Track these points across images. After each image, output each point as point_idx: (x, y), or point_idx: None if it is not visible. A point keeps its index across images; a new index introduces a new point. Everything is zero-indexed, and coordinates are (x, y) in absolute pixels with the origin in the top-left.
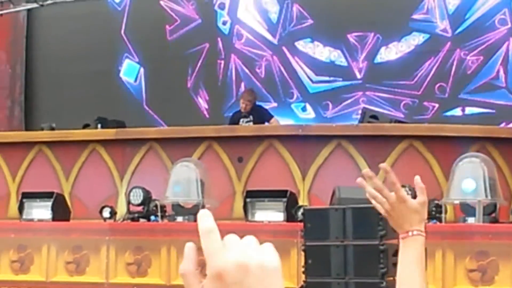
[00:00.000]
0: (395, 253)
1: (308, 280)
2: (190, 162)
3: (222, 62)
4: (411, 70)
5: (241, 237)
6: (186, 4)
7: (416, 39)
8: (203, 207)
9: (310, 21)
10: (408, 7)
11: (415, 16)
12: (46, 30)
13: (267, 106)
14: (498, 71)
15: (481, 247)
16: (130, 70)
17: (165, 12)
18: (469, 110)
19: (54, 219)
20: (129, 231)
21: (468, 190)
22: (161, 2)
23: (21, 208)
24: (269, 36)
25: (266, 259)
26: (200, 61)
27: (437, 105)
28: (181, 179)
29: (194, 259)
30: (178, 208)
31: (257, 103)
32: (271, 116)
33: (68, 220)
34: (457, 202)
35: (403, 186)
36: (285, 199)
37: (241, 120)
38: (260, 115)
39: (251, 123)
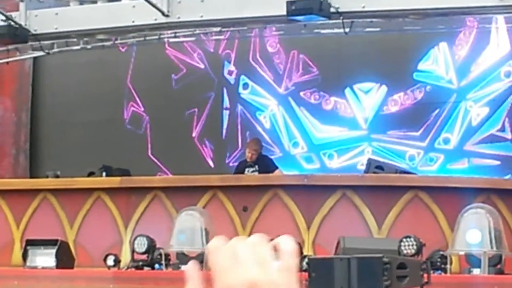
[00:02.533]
0: None
1: None
2: (195, 210)
3: (228, 111)
4: (416, 121)
5: None
6: (192, 53)
7: (421, 90)
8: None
9: (316, 72)
10: (414, 58)
11: (420, 67)
12: (52, 78)
13: (272, 156)
14: (503, 123)
15: None
16: (135, 119)
17: (171, 61)
18: (474, 161)
19: (58, 266)
20: (133, 280)
21: (473, 241)
22: (167, 51)
23: (25, 256)
24: (275, 86)
25: (275, 277)
26: (206, 110)
27: (442, 156)
28: (186, 228)
29: (199, 278)
30: (183, 257)
31: (263, 153)
32: (276, 167)
33: (72, 268)
34: (462, 253)
35: (408, 237)
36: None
37: (247, 169)
38: (265, 165)
39: (256, 173)
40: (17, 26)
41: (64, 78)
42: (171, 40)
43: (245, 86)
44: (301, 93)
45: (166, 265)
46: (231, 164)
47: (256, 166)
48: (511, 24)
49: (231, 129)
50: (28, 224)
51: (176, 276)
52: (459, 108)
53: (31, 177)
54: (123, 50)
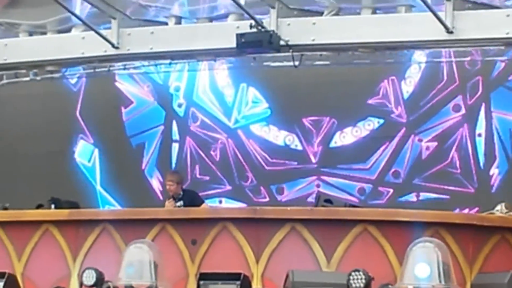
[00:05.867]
0: None
1: None
2: (144, 244)
3: (177, 144)
4: (366, 155)
5: None
6: (142, 86)
7: (371, 124)
8: None
9: (265, 105)
10: (363, 92)
11: (370, 101)
12: (1, 109)
13: (221, 189)
14: (452, 157)
15: None
16: (84, 151)
17: (120, 93)
18: (423, 195)
19: None
20: None
21: (422, 275)
22: (116, 84)
23: None
24: (224, 119)
25: None
26: (155, 143)
27: (391, 190)
28: (134, 261)
29: None
30: None
31: (191, 189)
32: (202, 201)
33: None
34: (410, 287)
35: (356, 270)
36: (238, 282)
37: (173, 201)
38: (190, 200)
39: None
40: None
41: (13, 109)
42: (121, 72)
43: (195, 119)
44: (251, 126)
45: None
46: None
47: (181, 202)
48: (460, 58)
49: (180, 162)
50: None
51: None
52: (409, 143)
53: None
54: (72, 82)
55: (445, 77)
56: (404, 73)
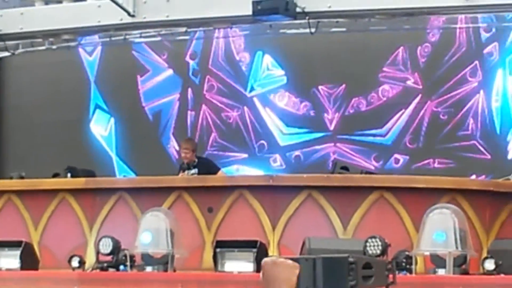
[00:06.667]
0: None
1: None
2: (160, 212)
3: (193, 112)
4: (382, 122)
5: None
6: (158, 54)
7: (387, 91)
8: (173, 257)
9: (281, 72)
10: (380, 59)
11: (386, 68)
12: (17, 78)
13: (237, 157)
14: (468, 124)
15: None
16: (100, 120)
17: (136, 62)
18: (439, 162)
19: (22, 268)
20: (98, 281)
21: (439, 242)
22: (133, 52)
23: None
24: (240, 87)
25: None
26: (171, 111)
27: (407, 157)
28: (151, 229)
29: None
30: (148, 258)
31: (201, 155)
32: (218, 169)
33: (36, 269)
34: (427, 253)
35: (373, 237)
36: (255, 250)
37: (186, 171)
38: (206, 168)
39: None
40: None
41: (30, 78)
42: (137, 40)
43: (210, 87)
44: (267, 94)
45: (131, 266)
46: None
47: (196, 169)
48: (476, 24)
49: (196, 130)
50: None
51: (141, 277)
52: (425, 109)
53: None
54: (88, 50)
55: (461, 44)
56: (420, 39)
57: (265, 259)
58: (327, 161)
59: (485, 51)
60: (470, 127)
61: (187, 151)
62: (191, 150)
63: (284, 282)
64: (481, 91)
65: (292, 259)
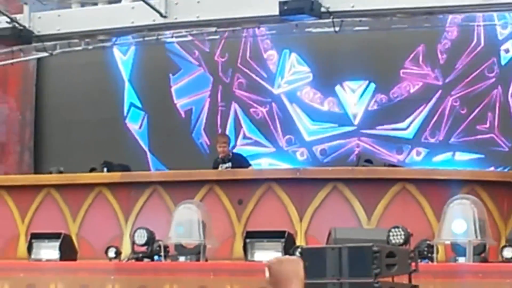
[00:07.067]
0: None
1: None
2: (192, 204)
3: (223, 109)
4: (403, 117)
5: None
6: (190, 54)
7: (408, 87)
8: (205, 247)
9: (307, 70)
10: (401, 56)
11: (407, 65)
12: (55, 78)
13: (265, 150)
14: (487, 118)
15: (472, 286)
16: (134, 117)
17: (168, 60)
18: (459, 154)
19: (61, 259)
20: (133, 271)
21: (459, 231)
22: (166, 51)
23: (30, 249)
24: (267, 84)
25: None
26: (202, 108)
27: (428, 150)
28: (184, 221)
29: None
30: (181, 248)
31: (238, 151)
32: (249, 165)
33: (75, 259)
34: (448, 242)
35: (396, 227)
36: (283, 240)
37: (220, 166)
38: (239, 163)
39: (229, 168)
40: (21, 28)
41: (67, 78)
42: (169, 40)
43: (240, 84)
44: (293, 91)
45: (165, 257)
46: None
47: (230, 163)
48: (493, 22)
49: (226, 126)
50: (32, 219)
51: (174, 267)
52: (445, 104)
53: (35, 173)
54: (123, 50)
55: (479, 41)
56: (439, 37)
57: (269, 260)
58: (351, 154)
59: (502, 47)
60: (488, 121)
61: (225, 145)
62: (227, 144)
63: (294, 275)
64: (499, 86)
65: (319, 248)
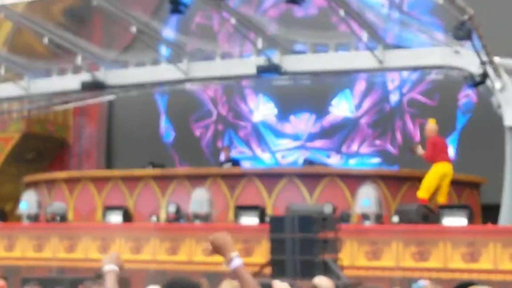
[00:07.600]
0: (325, 241)
1: (272, 257)
2: (203, 188)
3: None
4: (331, 136)
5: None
6: (203, 97)
7: (334, 117)
8: (211, 215)
9: (273, 106)
10: (329, 98)
11: (333, 102)
12: (120, 111)
13: (248, 156)
14: (383, 135)
15: (373, 239)
16: (167, 135)
17: (190, 102)
18: (366, 158)
19: (123, 222)
20: (166, 229)
21: (366, 205)
22: (187, 92)
23: (103, 215)
24: (249, 115)
25: None
26: (209, 133)
27: (347, 156)
28: (197, 199)
29: None
30: (196, 216)
31: (233, 157)
32: (239, 165)
33: (131, 223)
34: (359, 212)
35: (328, 203)
36: (259, 211)
37: (223, 165)
38: (234, 163)
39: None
40: (100, 80)
41: (128, 111)
42: (188, 88)
43: (232, 115)
44: (264, 119)
45: (187, 220)
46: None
47: (229, 163)
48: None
49: (221, 144)
50: (105, 197)
51: (192, 227)
52: (357, 127)
53: (106, 169)
54: (160, 94)
55: (377, 89)
56: (353, 86)
57: (210, 235)
58: (300, 159)
59: (391, 94)
60: (384, 137)
61: (227, 152)
62: (228, 151)
63: (230, 243)
64: (393, 118)
65: (280, 216)
